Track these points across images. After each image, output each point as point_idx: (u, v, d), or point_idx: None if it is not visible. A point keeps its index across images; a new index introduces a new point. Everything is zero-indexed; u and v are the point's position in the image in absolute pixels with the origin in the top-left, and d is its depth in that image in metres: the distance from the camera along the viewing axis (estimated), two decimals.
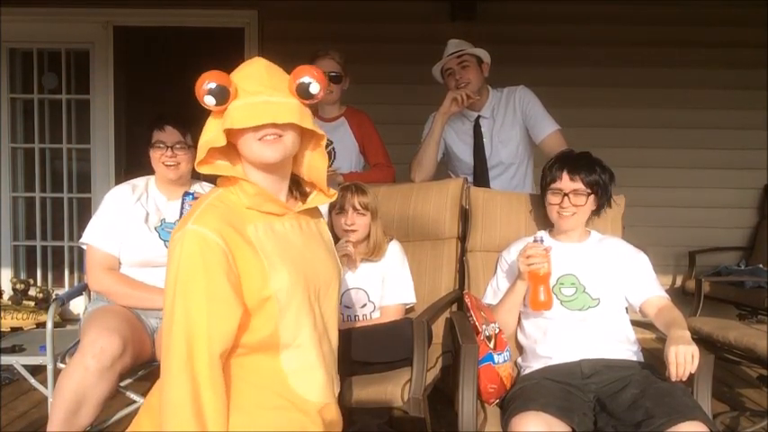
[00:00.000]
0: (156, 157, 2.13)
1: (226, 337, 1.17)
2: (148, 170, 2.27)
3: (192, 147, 2.15)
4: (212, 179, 2.14)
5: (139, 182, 2.23)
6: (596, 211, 2.03)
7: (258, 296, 1.20)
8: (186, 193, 2.13)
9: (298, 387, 1.25)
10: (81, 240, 2.14)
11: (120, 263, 2.12)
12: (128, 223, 2.10)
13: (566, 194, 1.94)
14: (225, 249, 1.17)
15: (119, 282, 2.08)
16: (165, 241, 2.11)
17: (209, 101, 1.19)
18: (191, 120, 2.22)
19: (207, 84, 1.17)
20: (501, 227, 2.32)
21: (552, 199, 1.98)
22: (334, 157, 2.72)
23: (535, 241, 1.86)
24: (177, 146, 2.13)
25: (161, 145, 2.12)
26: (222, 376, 1.16)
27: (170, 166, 2.12)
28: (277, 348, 1.24)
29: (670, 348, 1.60)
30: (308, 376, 1.27)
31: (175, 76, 5.60)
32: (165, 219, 2.17)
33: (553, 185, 1.98)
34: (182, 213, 2.12)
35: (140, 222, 2.12)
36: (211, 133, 1.23)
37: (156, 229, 2.14)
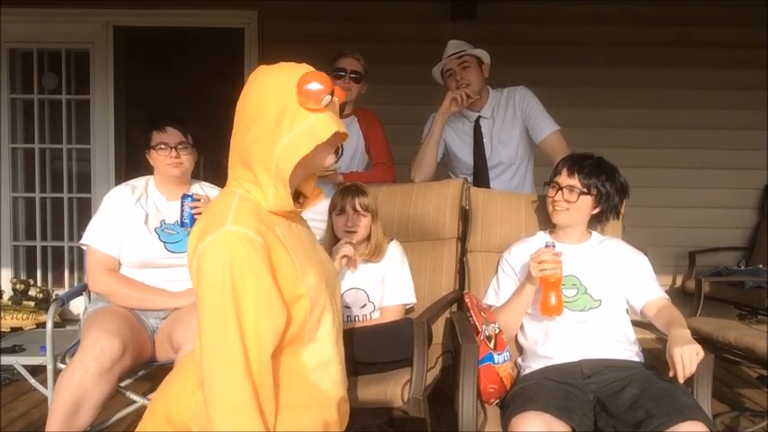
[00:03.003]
0: (160, 158, 2.15)
1: (275, 336, 1.17)
2: (146, 171, 2.29)
3: (193, 146, 2.19)
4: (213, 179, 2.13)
5: (139, 182, 2.23)
6: (598, 218, 2.03)
7: (292, 294, 1.22)
8: (185, 195, 2.13)
9: (318, 381, 1.27)
10: (81, 241, 2.14)
11: (119, 264, 2.12)
12: (128, 224, 2.11)
13: (560, 188, 1.96)
14: (267, 248, 1.18)
15: (119, 283, 2.09)
16: (164, 243, 2.12)
17: (326, 101, 1.21)
18: (188, 119, 2.24)
19: (327, 90, 1.20)
20: (501, 227, 2.32)
21: (549, 191, 2.02)
22: (341, 154, 2.74)
23: (546, 247, 1.86)
24: (180, 146, 2.15)
25: (164, 146, 2.13)
26: (271, 377, 1.17)
27: (174, 165, 2.14)
28: (300, 344, 1.25)
29: (674, 349, 1.59)
30: (327, 370, 1.29)
31: (176, 75, 5.64)
32: (164, 220, 2.18)
33: (554, 179, 2.01)
34: (182, 215, 2.12)
35: (140, 223, 2.12)
36: (298, 140, 1.21)
37: (155, 230, 2.14)
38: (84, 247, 2.15)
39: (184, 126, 2.18)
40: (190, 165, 2.20)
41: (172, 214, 2.17)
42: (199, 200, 2.12)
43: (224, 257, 1.14)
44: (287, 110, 1.21)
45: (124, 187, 2.20)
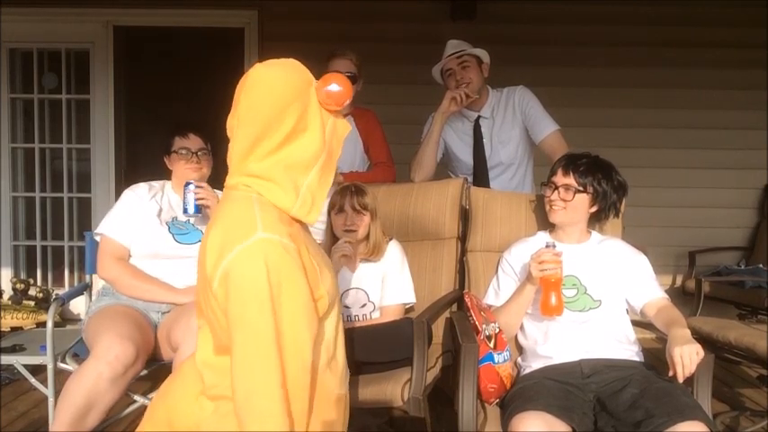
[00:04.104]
0: (181, 162, 2.24)
1: (312, 345, 1.15)
2: (148, 170, 2.33)
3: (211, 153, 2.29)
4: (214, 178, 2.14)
5: (156, 183, 2.33)
6: (596, 216, 2.03)
7: (314, 296, 1.20)
8: (188, 183, 2.18)
9: (326, 380, 1.25)
10: (96, 231, 2.22)
11: (130, 255, 2.18)
12: (141, 217, 2.18)
13: (557, 188, 1.97)
14: (300, 254, 1.16)
15: (125, 272, 2.14)
16: (173, 235, 2.18)
17: (347, 103, 1.26)
18: (204, 124, 2.33)
19: (348, 93, 1.25)
20: (501, 227, 2.32)
21: (546, 191, 2.03)
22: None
23: (547, 247, 1.86)
24: (200, 152, 2.25)
25: (184, 151, 2.23)
26: (308, 389, 1.16)
27: (194, 169, 2.23)
28: (316, 344, 1.23)
29: (674, 349, 1.59)
30: (331, 367, 1.28)
31: (176, 75, 5.64)
32: (176, 217, 2.25)
33: (551, 179, 2.02)
34: (185, 201, 2.16)
35: (153, 216, 2.19)
36: (313, 141, 1.23)
37: (166, 223, 2.21)
38: (98, 238, 2.21)
39: (205, 133, 2.29)
40: (208, 170, 2.29)
41: (185, 215, 2.22)
42: (201, 186, 2.17)
43: (260, 267, 1.09)
44: (309, 111, 1.21)
45: (143, 184, 2.30)
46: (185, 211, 2.16)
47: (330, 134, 1.25)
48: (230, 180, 1.25)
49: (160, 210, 2.23)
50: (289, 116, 1.19)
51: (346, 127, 1.27)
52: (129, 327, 1.94)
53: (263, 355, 1.09)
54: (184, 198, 2.16)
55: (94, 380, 1.80)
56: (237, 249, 1.11)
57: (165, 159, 2.31)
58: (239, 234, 1.13)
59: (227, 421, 1.17)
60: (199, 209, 2.16)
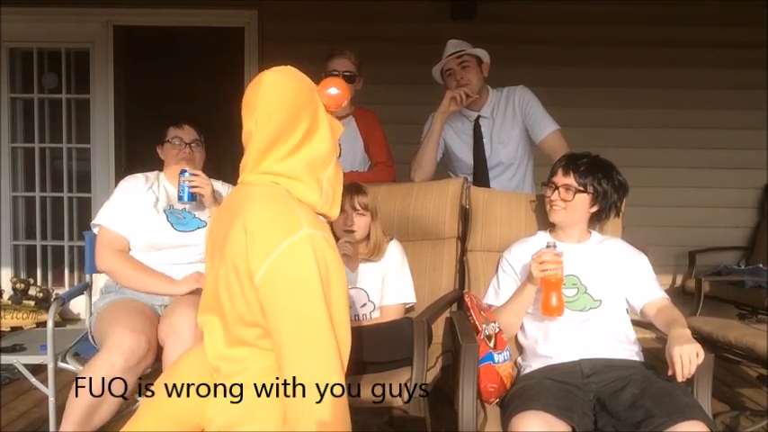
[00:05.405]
0: (174, 151, 2.26)
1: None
2: (149, 170, 2.34)
3: (205, 145, 2.32)
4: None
5: (151, 174, 2.34)
6: (597, 216, 2.03)
7: None
8: (183, 171, 2.18)
9: None
10: (93, 222, 2.21)
11: (129, 247, 2.18)
12: (139, 208, 2.18)
13: (557, 188, 1.97)
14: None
15: (125, 264, 2.13)
16: (171, 224, 2.19)
17: (345, 104, 1.40)
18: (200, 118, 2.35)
19: (346, 95, 1.38)
20: (501, 227, 2.32)
21: (546, 191, 2.03)
22: (339, 155, 2.73)
23: (548, 247, 1.86)
24: (194, 143, 2.28)
25: (177, 141, 2.26)
26: None
27: (186, 160, 2.25)
28: None
29: (674, 348, 1.59)
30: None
31: (176, 75, 5.64)
32: (172, 205, 2.26)
33: (551, 179, 2.02)
34: (180, 190, 2.17)
35: (150, 206, 2.20)
36: (325, 139, 1.34)
37: (164, 211, 2.21)
38: (95, 229, 2.20)
39: (200, 126, 2.32)
40: (200, 162, 2.30)
41: (180, 204, 2.23)
42: (197, 174, 2.17)
43: (311, 260, 1.17)
44: (318, 112, 1.33)
45: (139, 175, 2.30)
46: (180, 198, 2.17)
47: (335, 134, 1.37)
48: (248, 177, 1.31)
49: (156, 200, 2.23)
50: (304, 118, 1.30)
51: (339, 127, 1.39)
52: (140, 320, 1.95)
53: (323, 341, 1.16)
54: (180, 186, 2.17)
55: (107, 372, 1.80)
56: (286, 243, 1.17)
57: (158, 149, 2.31)
58: (285, 229, 1.19)
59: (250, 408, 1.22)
60: (193, 196, 2.17)
